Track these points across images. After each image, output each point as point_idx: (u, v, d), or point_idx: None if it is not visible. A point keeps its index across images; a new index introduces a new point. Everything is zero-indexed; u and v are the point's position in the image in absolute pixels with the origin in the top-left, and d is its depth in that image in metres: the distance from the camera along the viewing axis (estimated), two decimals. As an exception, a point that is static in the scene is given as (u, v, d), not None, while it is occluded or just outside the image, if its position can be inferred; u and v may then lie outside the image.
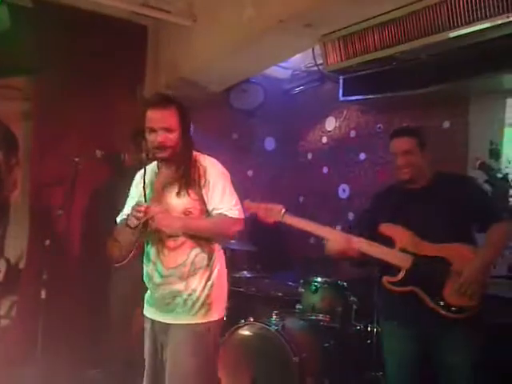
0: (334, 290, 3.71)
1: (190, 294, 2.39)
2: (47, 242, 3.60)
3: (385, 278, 2.63)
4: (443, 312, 2.50)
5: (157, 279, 2.44)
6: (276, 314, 3.61)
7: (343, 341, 3.61)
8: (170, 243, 2.41)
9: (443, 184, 2.69)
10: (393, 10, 3.19)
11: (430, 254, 2.55)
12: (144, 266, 2.54)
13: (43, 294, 3.51)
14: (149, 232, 2.43)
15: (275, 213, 2.70)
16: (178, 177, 2.42)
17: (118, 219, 2.65)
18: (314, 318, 3.70)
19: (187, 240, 2.40)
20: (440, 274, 2.53)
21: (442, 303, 2.50)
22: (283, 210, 2.70)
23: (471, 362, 2.51)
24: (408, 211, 2.66)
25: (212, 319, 2.41)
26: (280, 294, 4.15)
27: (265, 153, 5.74)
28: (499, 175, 2.53)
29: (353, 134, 5.23)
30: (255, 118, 5.52)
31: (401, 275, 2.58)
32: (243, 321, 3.57)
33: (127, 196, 2.67)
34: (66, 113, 4.29)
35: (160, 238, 2.43)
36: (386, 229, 2.63)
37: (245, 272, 4.26)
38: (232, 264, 4.36)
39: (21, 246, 4.25)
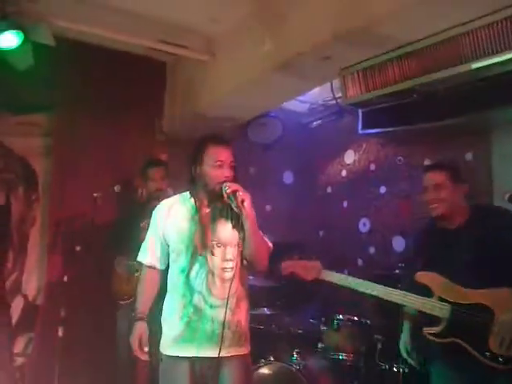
0: (358, 328, 3.60)
1: (237, 326, 2.45)
2: (65, 279, 3.57)
3: (425, 330, 2.50)
4: (490, 363, 2.36)
5: (207, 310, 2.43)
6: (297, 353, 3.51)
7: (367, 381, 3.47)
8: (224, 274, 2.45)
9: (482, 220, 2.56)
10: (413, 43, 3.15)
11: (471, 302, 2.42)
12: (179, 298, 2.47)
13: (60, 332, 3.46)
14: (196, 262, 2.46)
15: (314, 270, 2.72)
16: (230, 210, 2.46)
17: (145, 260, 2.60)
18: (336, 357, 3.58)
19: (236, 271, 2.46)
20: (483, 324, 2.38)
21: (487, 354, 2.36)
22: (321, 267, 2.70)
23: None
24: (444, 254, 2.55)
25: (248, 350, 2.52)
26: (301, 332, 4.04)
27: (283, 187, 5.70)
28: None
29: (373, 166, 5.17)
30: (273, 151, 5.50)
31: (441, 326, 2.45)
32: (263, 360, 3.46)
33: (140, 231, 2.66)
34: (86, 148, 4.33)
35: (212, 269, 2.45)
36: (421, 277, 2.53)
37: (265, 309, 4.16)
38: (251, 300, 4.28)
39: (39, 282, 4.22)
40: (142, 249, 2.62)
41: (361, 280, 2.62)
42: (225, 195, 2.40)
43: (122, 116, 4.49)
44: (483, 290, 2.42)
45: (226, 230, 2.47)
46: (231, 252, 2.46)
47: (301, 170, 5.78)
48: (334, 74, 3.67)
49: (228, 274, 2.44)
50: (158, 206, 2.62)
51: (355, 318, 3.64)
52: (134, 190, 4.16)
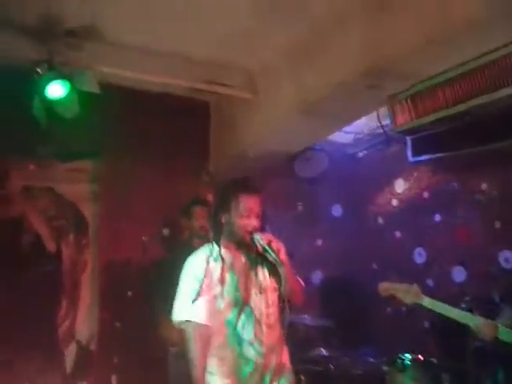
0: (424, 369, 3.36)
1: (285, 369, 2.48)
2: (117, 325, 3.52)
3: None
4: None
5: (258, 359, 2.38)
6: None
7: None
8: (269, 320, 2.44)
9: None
10: (463, 64, 3.03)
11: None
12: (226, 351, 2.39)
13: (114, 380, 3.39)
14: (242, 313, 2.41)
15: (414, 294, 2.68)
16: (265, 257, 2.45)
17: (196, 318, 2.40)
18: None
19: (277, 316, 2.47)
20: None
21: None
22: (420, 292, 2.68)
23: None
24: None
25: None
26: (361, 372, 3.83)
27: (332, 220, 5.57)
28: None
29: (425, 194, 4.98)
30: (320, 185, 5.40)
31: None
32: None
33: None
34: (132, 192, 4.34)
35: (258, 317, 2.42)
36: None
37: (321, 349, 3.98)
38: (307, 341, 4.12)
39: (91, 328, 4.19)
40: (183, 305, 2.44)
41: (461, 311, 2.57)
42: (259, 246, 2.40)
43: (168, 159, 4.50)
44: None
45: (263, 277, 2.47)
46: (271, 298, 2.46)
47: (349, 201, 5.65)
48: (381, 103, 3.58)
49: (272, 319, 2.44)
50: (196, 261, 2.50)
51: (420, 357, 3.41)
52: (180, 232, 4.09)
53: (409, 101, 3.37)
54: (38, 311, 3.64)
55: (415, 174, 5.09)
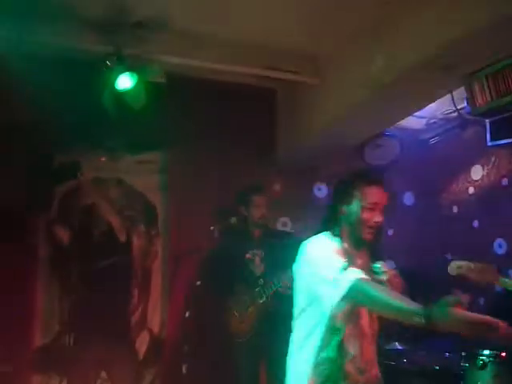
0: (508, 366, 3.16)
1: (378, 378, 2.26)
2: (187, 314, 3.54)
3: None
4: None
5: (358, 376, 2.16)
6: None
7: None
8: (373, 334, 2.23)
9: None
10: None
11: None
12: (325, 363, 2.14)
13: (184, 369, 3.41)
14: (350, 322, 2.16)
15: (490, 274, 2.55)
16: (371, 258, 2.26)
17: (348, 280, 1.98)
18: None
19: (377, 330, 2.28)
20: None
21: None
22: (497, 271, 2.53)
23: None
24: None
25: None
26: (437, 368, 3.65)
27: (404, 209, 5.37)
28: None
29: (505, 182, 4.69)
30: (391, 172, 5.21)
31: None
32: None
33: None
34: (200, 181, 4.37)
35: (364, 329, 2.19)
36: None
37: (396, 343, 3.83)
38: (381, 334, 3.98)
39: (162, 317, 4.25)
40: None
41: None
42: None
43: (235, 148, 4.49)
44: None
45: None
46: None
47: (422, 190, 5.44)
48: (457, 84, 3.37)
49: (375, 333, 2.23)
50: (328, 244, 2.19)
51: (503, 354, 3.20)
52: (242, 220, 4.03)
53: (489, 79, 3.13)
54: (110, 299, 3.73)
55: (493, 159, 4.82)
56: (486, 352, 3.21)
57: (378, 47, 3.49)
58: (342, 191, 2.25)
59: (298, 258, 2.23)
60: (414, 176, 5.40)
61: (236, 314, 3.69)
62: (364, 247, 2.23)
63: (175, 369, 3.65)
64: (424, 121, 5.27)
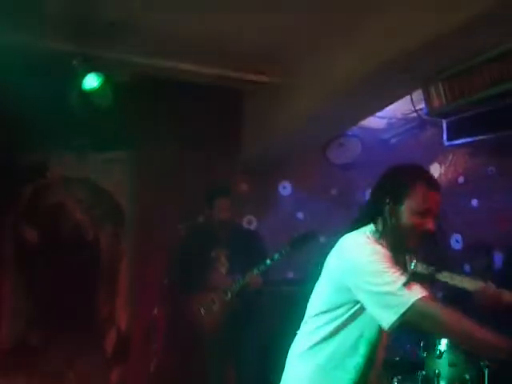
0: (462, 354, 3.33)
1: None
2: (155, 311, 3.58)
3: None
4: None
5: (377, 381, 2.02)
6: (398, 382, 3.30)
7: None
8: (385, 341, 1.98)
9: None
10: (500, 45, 2.96)
11: None
12: (348, 366, 1.93)
13: (152, 367, 3.46)
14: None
15: None
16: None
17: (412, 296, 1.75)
18: (440, 386, 3.33)
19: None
20: None
21: None
22: None
23: None
24: None
25: None
26: (398, 359, 3.81)
27: (366, 206, 5.52)
28: None
29: (461, 179, 4.89)
30: (353, 171, 5.37)
31: None
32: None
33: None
34: (167, 181, 4.39)
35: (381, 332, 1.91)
36: None
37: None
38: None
39: (130, 314, 4.28)
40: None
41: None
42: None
43: (201, 147, 4.53)
44: None
45: None
46: None
47: (383, 187, 5.59)
48: (416, 85, 3.53)
49: (388, 340, 2.00)
50: (379, 250, 1.87)
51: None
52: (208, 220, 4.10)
53: (445, 83, 3.30)
54: (78, 298, 3.74)
55: (450, 158, 5.01)
56: (443, 341, 3.39)
57: (341, 49, 3.61)
58: (392, 187, 1.95)
59: (334, 254, 1.94)
60: (375, 174, 5.52)
61: (202, 311, 3.76)
62: (403, 253, 1.99)
63: (143, 366, 3.69)
64: (385, 121, 5.44)
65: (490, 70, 3.13)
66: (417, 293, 1.72)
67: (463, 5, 2.62)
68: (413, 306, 1.70)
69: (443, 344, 3.39)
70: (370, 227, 1.95)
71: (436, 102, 3.43)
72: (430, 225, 1.87)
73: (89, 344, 3.79)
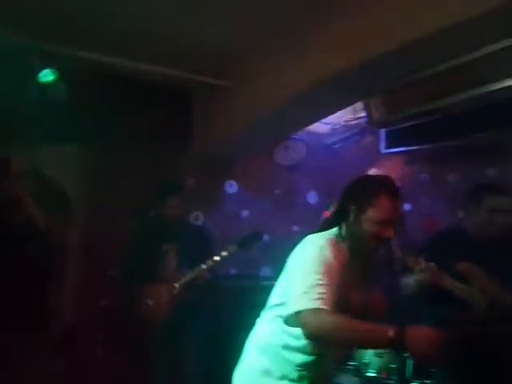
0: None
1: None
2: (102, 303, 3.67)
3: (462, 317, 2.62)
4: None
5: (328, 371, 2.21)
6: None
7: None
8: None
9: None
10: (435, 65, 3.25)
11: (503, 301, 2.65)
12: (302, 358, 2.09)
13: (98, 357, 3.54)
14: None
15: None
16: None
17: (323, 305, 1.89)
18: (368, 374, 3.60)
19: None
20: None
21: None
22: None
23: None
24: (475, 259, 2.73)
25: None
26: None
27: (308, 207, 5.77)
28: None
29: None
30: (298, 172, 5.60)
31: (477, 314, 2.61)
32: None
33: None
34: (117, 176, 4.46)
35: None
36: (466, 267, 2.71)
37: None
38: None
39: (78, 306, 4.33)
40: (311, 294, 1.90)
41: None
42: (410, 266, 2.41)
43: (153, 143, 4.63)
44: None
45: (365, 294, 2.11)
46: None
47: (325, 189, 5.84)
48: (358, 98, 3.77)
49: None
50: (326, 246, 2.02)
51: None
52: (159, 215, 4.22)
53: (384, 97, 3.57)
54: (25, 289, 3.76)
55: (388, 165, 5.32)
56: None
57: (289, 58, 3.79)
58: (361, 195, 2.07)
59: (295, 250, 2.10)
60: (318, 177, 5.80)
61: (151, 303, 3.88)
62: (363, 260, 2.10)
63: (90, 356, 3.77)
64: (329, 126, 5.70)
65: (425, 87, 3.42)
66: (312, 304, 1.86)
67: (400, 29, 2.86)
68: (299, 312, 1.88)
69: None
70: (334, 231, 2.11)
71: (375, 114, 3.70)
72: (388, 233, 2.01)
73: (35, 333, 3.82)
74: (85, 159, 4.52)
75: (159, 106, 4.69)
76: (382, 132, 4.58)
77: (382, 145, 4.65)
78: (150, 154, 4.63)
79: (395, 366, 3.55)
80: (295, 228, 5.58)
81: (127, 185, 4.48)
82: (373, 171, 5.44)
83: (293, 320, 1.96)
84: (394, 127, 4.20)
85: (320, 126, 5.51)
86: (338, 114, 4.97)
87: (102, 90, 4.36)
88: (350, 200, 2.10)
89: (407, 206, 5.03)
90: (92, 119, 4.37)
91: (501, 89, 3.11)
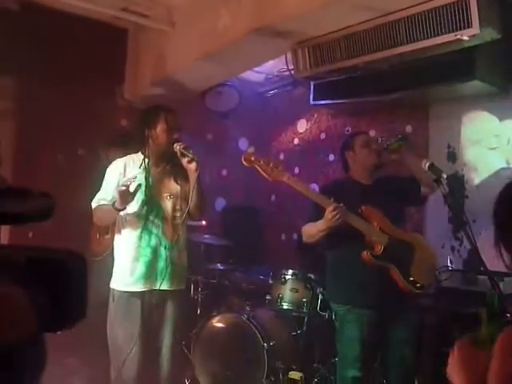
0: (302, 282, 3.93)
1: (182, 265, 3.13)
2: (30, 235, 3.75)
3: (365, 252, 2.92)
4: (411, 288, 2.90)
5: (162, 251, 2.99)
6: (248, 305, 3.84)
7: (309, 328, 3.84)
8: (174, 221, 3.05)
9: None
10: (358, 24, 3.44)
11: (398, 237, 2.98)
12: (136, 240, 2.97)
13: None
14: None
15: (277, 171, 2.96)
16: (177, 169, 3.07)
17: (95, 204, 3.00)
18: (282, 307, 3.92)
19: (183, 219, 3.07)
20: (407, 255, 2.97)
21: (411, 279, 2.91)
22: (283, 170, 3.01)
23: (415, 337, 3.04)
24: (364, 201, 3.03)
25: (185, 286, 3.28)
26: (253, 287, 4.36)
27: (239, 153, 5.93)
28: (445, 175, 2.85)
29: (323, 136, 5.48)
30: (229, 119, 5.74)
31: (380, 250, 2.90)
32: (216, 311, 3.81)
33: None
34: (47, 113, 4.41)
35: (167, 216, 3.02)
36: (367, 210, 2.98)
37: (218, 264, 4.47)
38: (208, 257, 4.60)
39: (3, 238, 4.36)
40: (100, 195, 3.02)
41: (319, 194, 3.06)
42: (178, 152, 2.92)
43: (83, 81, 4.58)
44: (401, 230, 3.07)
45: (175, 185, 3.05)
46: (179, 203, 3.04)
47: (255, 137, 6.04)
48: (286, 49, 3.92)
49: (178, 221, 3.03)
50: (114, 164, 3.06)
51: (299, 272, 3.98)
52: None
53: (310, 50, 3.74)
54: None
55: (316, 116, 5.57)
56: (287, 271, 3.98)
57: (224, 6, 3.88)
58: (146, 119, 3.08)
59: None
60: (249, 124, 5.96)
61: (98, 236, 4.03)
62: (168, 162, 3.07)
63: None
64: (262, 76, 5.84)
65: (347, 44, 3.62)
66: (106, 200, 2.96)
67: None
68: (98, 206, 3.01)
69: (289, 273, 3.99)
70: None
71: (302, 66, 3.87)
72: (175, 135, 3.05)
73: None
74: (12, 94, 4.43)
75: (93, 44, 4.64)
76: (311, 84, 4.77)
77: (310, 96, 4.84)
78: (82, 93, 4.60)
79: (305, 299, 3.89)
80: (224, 172, 5.78)
81: (56, 123, 4.46)
82: (301, 121, 5.70)
83: None
84: (321, 81, 4.38)
85: (253, 75, 5.63)
86: (272, 63, 5.11)
87: (36, 24, 4.26)
88: (142, 125, 3.15)
89: (331, 157, 5.33)
90: (22, 53, 4.27)
91: (420, 49, 3.31)
